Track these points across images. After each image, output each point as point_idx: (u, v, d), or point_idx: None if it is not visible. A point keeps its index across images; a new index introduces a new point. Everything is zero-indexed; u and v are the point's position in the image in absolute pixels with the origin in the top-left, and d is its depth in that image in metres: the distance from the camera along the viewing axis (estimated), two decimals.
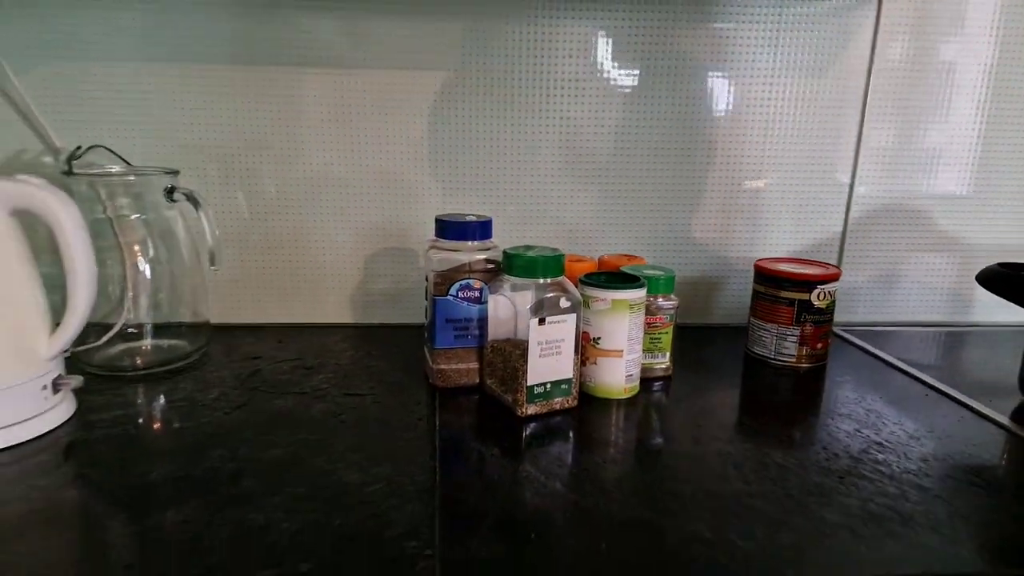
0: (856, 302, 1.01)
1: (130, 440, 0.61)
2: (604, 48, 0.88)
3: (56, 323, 0.63)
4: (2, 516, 0.48)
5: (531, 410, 0.67)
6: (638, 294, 0.71)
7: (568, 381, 0.68)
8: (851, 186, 0.96)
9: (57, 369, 0.64)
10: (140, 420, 0.65)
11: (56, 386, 0.64)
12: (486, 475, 0.56)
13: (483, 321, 0.72)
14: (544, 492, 0.53)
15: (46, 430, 0.62)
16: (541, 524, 0.48)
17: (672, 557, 0.45)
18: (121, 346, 0.76)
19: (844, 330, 0.97)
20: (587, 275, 0.73)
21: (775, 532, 0.48)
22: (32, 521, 0.47)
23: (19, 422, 0.60)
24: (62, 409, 0.64)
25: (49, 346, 0.62)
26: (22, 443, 0.59)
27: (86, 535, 0.46)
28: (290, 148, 0.87)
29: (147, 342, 0.77)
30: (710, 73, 0.90)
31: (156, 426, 0.64)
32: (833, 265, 0.87)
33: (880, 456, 0.61)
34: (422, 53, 0.85)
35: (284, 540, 0.45)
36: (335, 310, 0.93)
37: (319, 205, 0.89)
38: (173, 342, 0.79)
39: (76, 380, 0.65)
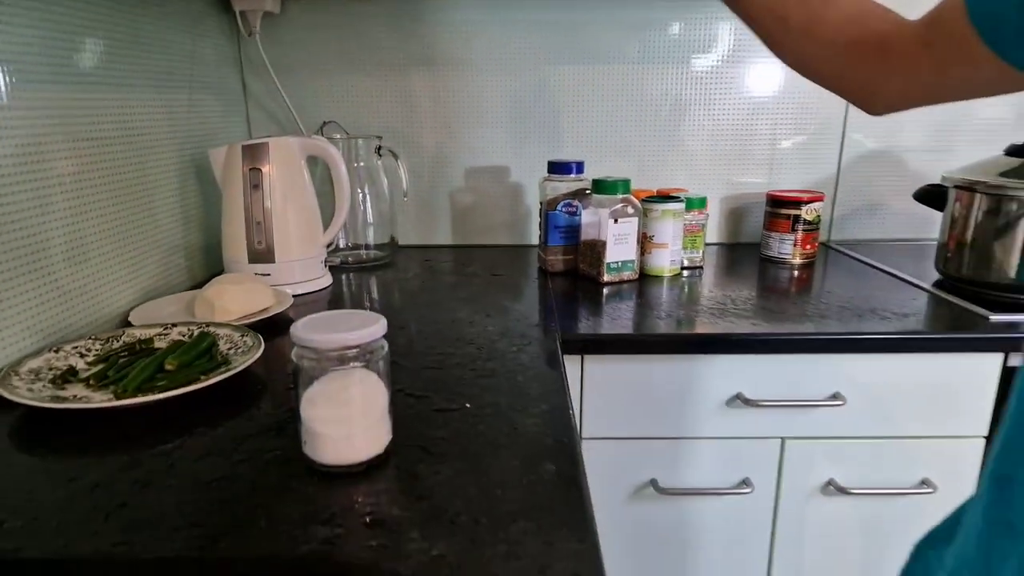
0: (847, 224, 1.35)
1: (368, 294, 1.04)
2: (653, 37, 1.25)
3: (326, 225, 1.07)
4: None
5: (608, 278, 1.06)
6: (678, 207, 1.09)
7: (632, 262, 1.07)
8: (843, 133, 1.30)
9: (325, 253, 1.08)
10: (368, 287, 1.08)
11: (326, 262, 1.07)
12: (580, 311, 0.95)
13: (578, 228, 1.11)
14: (615, 318, 0.92)
15: (322, 287, 1.05)
16: (614, 324, 0.88)
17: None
18: (348, 251, 1.20)
19: (836, 244, 1.32)
20: (646, 197, 1.12)
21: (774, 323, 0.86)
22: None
23: (310, 279, 1.03)
24: (327, 278, 1.08)
25: (324, 237, 1.06)
26: (312, 292, 1.03)
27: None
28: (444, 127, 1.29)
29: (364, 251, 1.21)
30: (738, 50, 1.26)
31: (375, 290, 1.07)
32: (819, 192, 1.21)
33: (825, 304, 0.97)
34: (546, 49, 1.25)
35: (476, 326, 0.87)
36: (472, 235, 1.35)
37: (458, 160, 1.31)
38: (376, 251, 1.22)
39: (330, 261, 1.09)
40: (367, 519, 0.46)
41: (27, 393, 0.60)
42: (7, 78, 0.69)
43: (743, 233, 1.35)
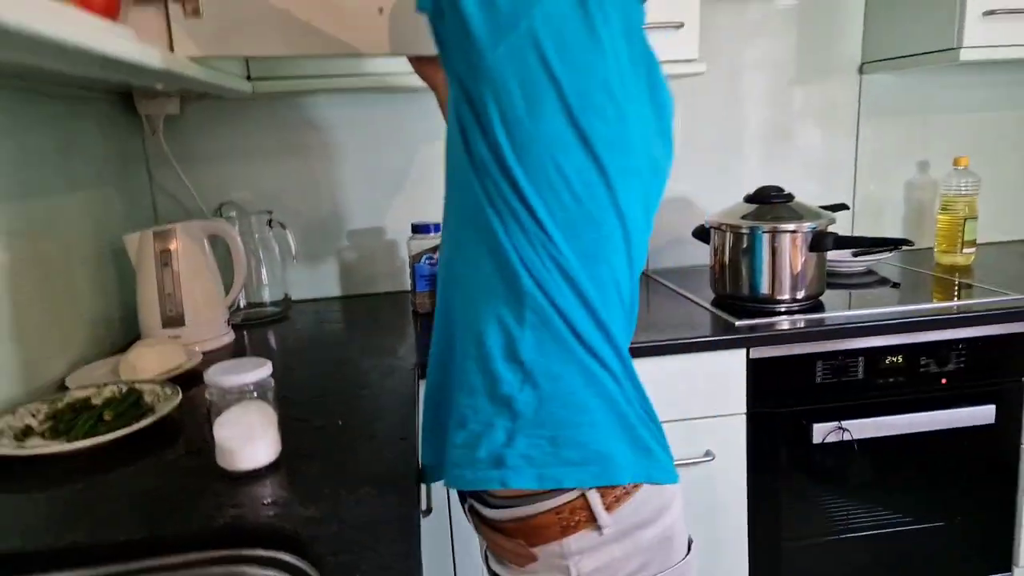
0: (663, 254, 1.69)
1: (265, 346, 1.26)
2: None
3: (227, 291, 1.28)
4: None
5: None
6: None
7: None
8: None
9: (227, 313, 1.30)
10: (266, 340, 1.30)
11: (228, 321, 1.29)
12: None
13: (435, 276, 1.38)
14: None
15: (226, 343, 1.26)
16: None
17: None
18: (247, 310, 1.42)
19: (653, 272, 1.66)
20: None
21: None
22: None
23: (215, 337, 1.25)
24: (230, 335, 1.29)
25: (226, 300, 1.28)
26: (217, 348, 1.24)
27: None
28: (327, 197, 1.54)
29: (263, 309, 1.43)
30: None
31: (271, 341, 1.30)
32: None
33: None
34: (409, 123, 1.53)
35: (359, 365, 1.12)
36: (357, 286, 1.59)
37: (341, 223, 1.56)
38: (272, 308, 1.44)
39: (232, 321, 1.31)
40: (264, 500, 0.70)
41: None
42: None
43: None
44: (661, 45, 1.25)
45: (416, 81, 1.09)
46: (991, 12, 1.37)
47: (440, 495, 1.16)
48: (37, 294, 1.03)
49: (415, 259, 1.39)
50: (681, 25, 1.27)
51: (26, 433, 0.85)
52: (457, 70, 0.63)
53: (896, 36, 1.57)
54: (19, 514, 0.70)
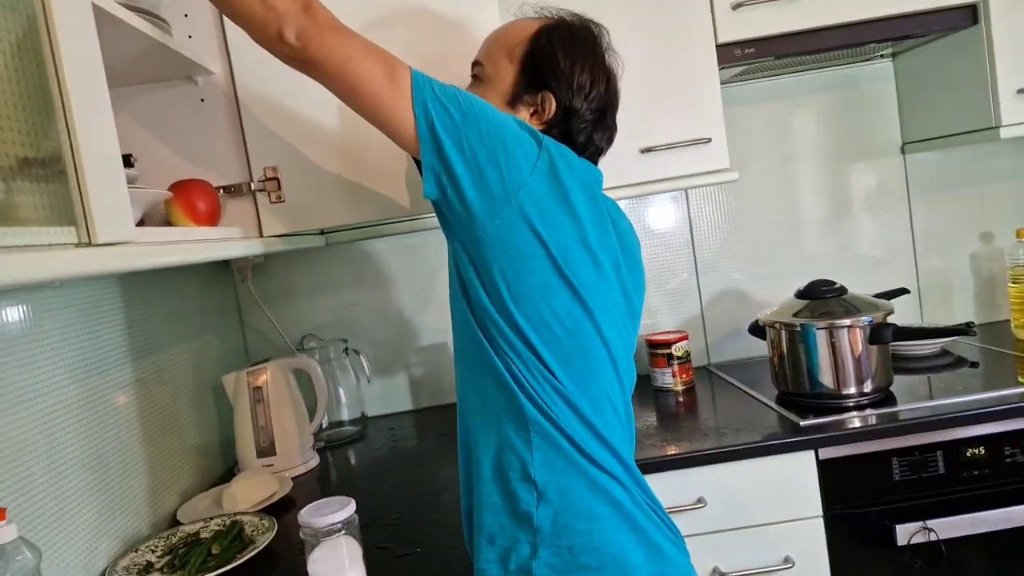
0: (722, 347, 1.71)
1: (347, 468, 1.35)
2: None
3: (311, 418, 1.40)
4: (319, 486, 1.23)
5: None
6: None
7: None
8: (697, 284, 1.69)
9: (312, 439, 1.40)
10: (347, 461, 1.40)
11: (314, 446, 1.40)
12: None
13: None
14: None
15: (312, 467, 1.36)
16: None
17: None
18: (329, 430, 1.53)
19: (714, 367, 1.67)
20: None
21: None
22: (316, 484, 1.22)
23: (303, 463, 1.35)
24: (316, 459, 1.39)
25: (311, 427, 1.39)
26: (305, 472, 1.34)
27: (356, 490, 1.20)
28: (395, 322, 1.66)
29: (342, 429, 1.54)
30: None
31: (352, 462, 1.39)
32: (684, 332, 1.57)
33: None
34: None
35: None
36: (427, 398, 1.68)
37: (409, 343, 1.67)
38: (351, 427, 1.55)
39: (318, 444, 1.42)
40: None
41: None
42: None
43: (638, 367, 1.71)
44: (693, 160, 1.37)
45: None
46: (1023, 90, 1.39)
47: None
48: (151, 435, 1.17)
49: None
50: (709, 140, 1.35)
51: (147, 569, 0.96)
52: (461, 238, 0.77)
53: (934, 117, 1.60)
54: None
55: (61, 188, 0.56)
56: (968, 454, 1.17)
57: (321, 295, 1.65)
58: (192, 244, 0.80)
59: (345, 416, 1.55)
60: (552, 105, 0.86)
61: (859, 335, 1.25)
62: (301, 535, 0.83)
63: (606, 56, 0.90)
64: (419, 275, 1.67)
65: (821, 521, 1.20)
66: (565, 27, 0.89)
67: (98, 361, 1.05)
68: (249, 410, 1.31)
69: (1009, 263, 1.58)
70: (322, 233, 1.40)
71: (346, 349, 1.55)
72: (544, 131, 0.85)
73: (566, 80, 0.85)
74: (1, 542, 0.72)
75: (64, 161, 0.56)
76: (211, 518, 1.08)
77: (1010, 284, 1.57)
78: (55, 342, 0.95)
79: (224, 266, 1.58)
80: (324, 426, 1.53)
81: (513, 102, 0.87)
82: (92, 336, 1.04)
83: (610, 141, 0.92)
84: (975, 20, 1.41)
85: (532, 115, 0.87)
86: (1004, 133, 1.41)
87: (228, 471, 1.34)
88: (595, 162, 0.91)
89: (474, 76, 0.92)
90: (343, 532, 0.83)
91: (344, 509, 0.83)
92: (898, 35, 1.42)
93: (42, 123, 0.55)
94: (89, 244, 0.57)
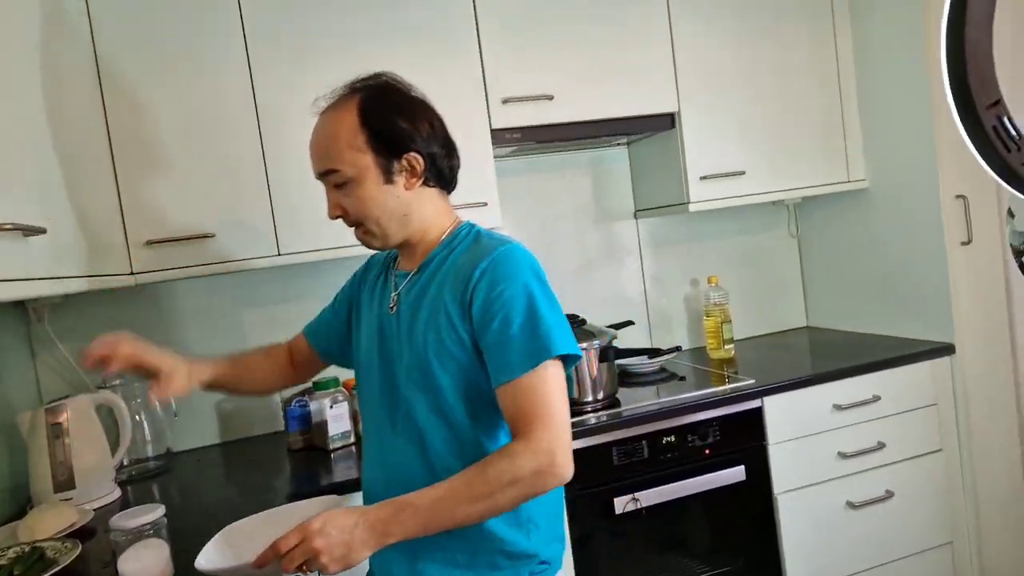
0: None
1: (150, 498, 1.44)
2: None
3: (114, 451, 1.46)
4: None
5: (333, 446, 1.58)
6: None
7: (349, 432, 1.61)
8: None
9: (114, 473, 1.46)
10: (150, 493, 1.48)
11: (116, 479, 1.45)
12: (316, 472, 1.46)
13: (309, 415, 1.63)
14: (335, 473, 1.45)
15: (113, 499, 1.42)
16: (332, 476, 1.40)
17: None
18: (131, 467, 1.58)
19: None
20: (354, 385, 1.68)
21: None
22: None
23: (103, 495, 1.40)
24: (117, 492, 1.45)
25: (113, 461, 1.45)
26: (106, 504, 1.39)
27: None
28: None
29: (146, 463, 1.59)
30: None
31: (155, 493, 1.47)
32: None
33: None
34: None
35: None
36: (236, 431, 1.79)
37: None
38: (155, 462, 1.61)
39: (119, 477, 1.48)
40: None
41: None
42: None
43: None
44: (474, 219, 1.70)
45: (278, 263, 1.41)
46: (705, 176, 1.92)
47: None
48: None
49: (287, 403, 1.63)
50: (486, 204, 1.69)
51: None
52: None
53: (652, 191, 2.10)
54: None
55: None
56: (664, 441, 1.58)
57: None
58: None
59: (150, 452, 1.61)
60: (420, 160, 0.93)
61: (593, 355, 1.64)
62: (111, 538, 0.96)
63: (416, 94, 0.98)
64: (229, 314, 1.79)
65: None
66: (377, 95, 0.94)
67: None
68: (47, 446, 1.34)
69: (703, 302, 2.11)
70: (132, 274, 1.49)
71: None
72: (423, 184, 0.96)
73: (417, 135, 0.93)
74: None
75: None
76: (8, 547, 1.13)
77: (705, 318, 2.09)
78: None
79: (15, 305, 1.58)
80: (126, 463, 1.58)
81: (389, 179, 0.93)
82: None
83: (458, 159, 1.01)
84: (673, 124, 1.93)
85: (410, 178, 0.94)
86: (692, 207, 1.92)
87: (21, 510, 1.35)
88: (455, 183, 1.03)
89: (337, 185, 0.95)
90: (151, 533, 0.97)
91: (153, 512, 0.97)
92: (622, 132, 1.90)
93: None
94: None
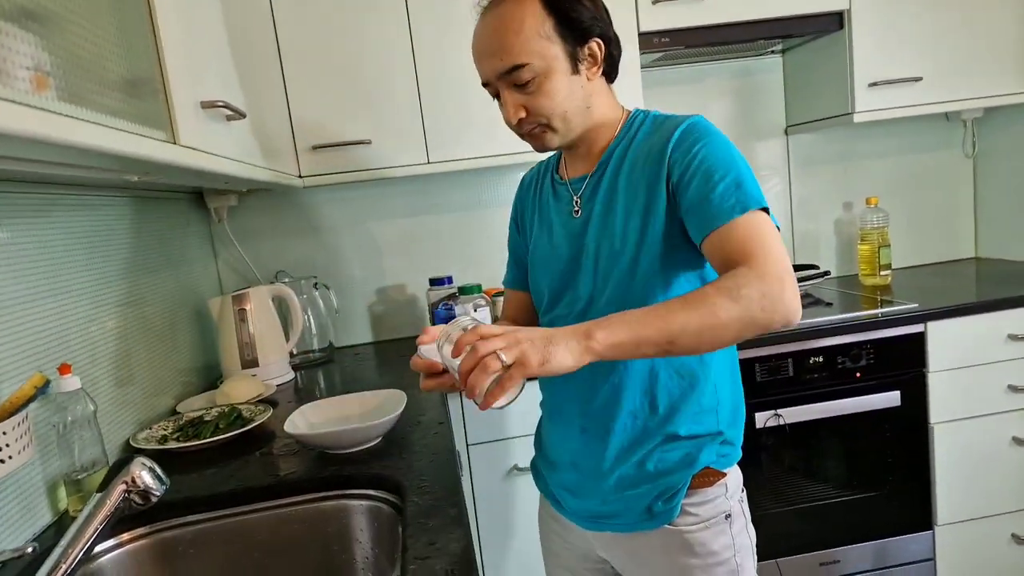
0: None
1: (319, 381, 1.59)
2: None
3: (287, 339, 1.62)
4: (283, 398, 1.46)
5: None
6: None
7: None
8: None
9: (288, 356, 1.63)
10: (318, 377, 1.63)
11: (289, 363, 1.62)
12: None
13: (453, 318, 1.72)
14: None
15: (289, 379, 1.59)
16: None
17: None
18: (299, 356, 1.75)
19: None
20: (495, 292, 1.75)
21: None
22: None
23: (281, 375, 1.57)
24: (291, 373, 1.62)
25: (287, 346, 1.61)
26: (284, 383, 1.56)
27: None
28: (359, 263, 1.90)
29: (312, 354, 1.76)
30: None
31: (320, 379, 1.63)
32: None
33: None
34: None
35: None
36: (386, 332, 1.93)
37: (371, 282, 1.91)
38: (320, 353, 1.77)
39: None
40: (352, 462, 1.02)
41: (147, 447, 1.12)
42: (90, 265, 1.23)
43: None
44: None
45: (425, 171, 1.48)
46: (874, 84, 1.76)
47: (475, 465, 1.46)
48: (146, 349, 1.37)
49: (434, 306, 1.73)
50: None
51: (164, 440, 1.17)
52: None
53: (809, 104, 1.96)
54: (181, 483, 1.02)
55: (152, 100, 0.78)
56: (811, 361, 1.53)
57: (292, 237, 1.86)
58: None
59: (315, 345, 1.78)
60: (601, 47, 0.89)
61: None
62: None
63: None
64: (388, 220, 1.90)
65: None
66: None
67: (106, 273, 1.25)
68: (234, 328, 1.52)
69: (859, 225, 1.96)
70: (300, 177, 1.61)
71: (316, 284, 1.77)
72: (602, 72, 0.92)
73: (599, 19, 0.89)
74: (67, 389, 0.94)
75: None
76: (210, 408, 1.30)
77: (859, 243, 1.96)
78: (67, 252, 1.15)
79: (201, 206, 1.76)
80: (296, 352, 1.75)
81: (575, 68, 0.88)
82: (104, 248, 1.24)
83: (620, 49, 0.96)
84: (841, 25, 1.77)
85: (591, 67, 0.90)
86: (856, 118, 1.77)
87: (214, 384, 1.55)
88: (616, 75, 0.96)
89: (524, 83, 0.87)
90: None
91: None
92: (781, 34, 1.76)
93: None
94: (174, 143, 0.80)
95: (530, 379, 0.70)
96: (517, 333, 0.70)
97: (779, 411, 1.49)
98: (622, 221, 0.90)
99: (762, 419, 1.50)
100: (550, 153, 1.04)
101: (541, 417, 1.08)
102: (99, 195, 1.25)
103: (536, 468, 1.09)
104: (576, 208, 0.97)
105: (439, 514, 0.83)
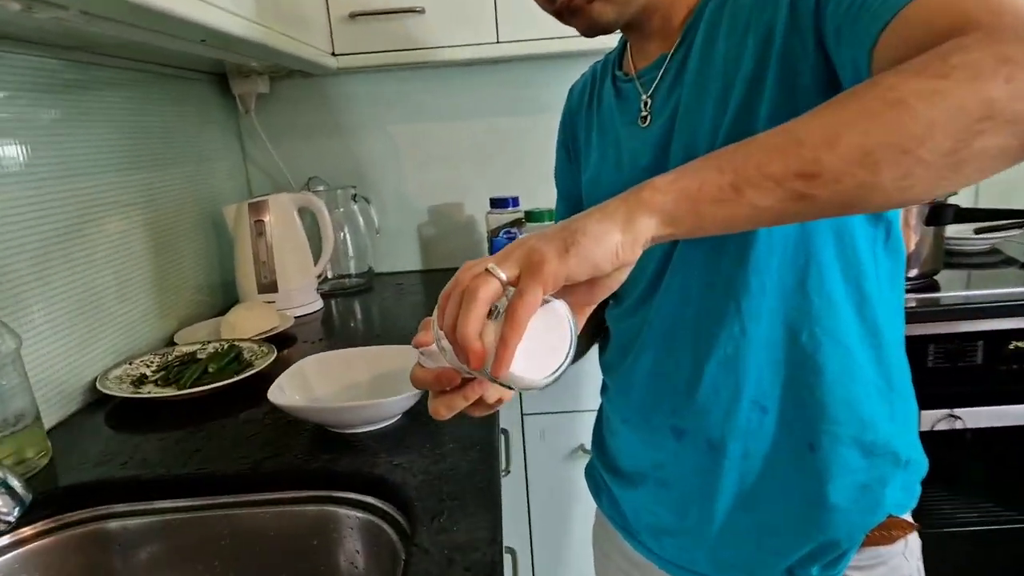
0: None
1: (352, 315, 1.31)
2: None
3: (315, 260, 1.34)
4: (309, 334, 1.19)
5: None
6: None
7: None
8: None
9: (316, 282, 1.35)
10: (352, 310, 1.35)
11: (317, 290, 1.35)
12: None
13: None
14: None
15: (315, 310, 1.32)
16: None
17: None
18: (334, 280, 1.48)
19: None
20: None
21: None
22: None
23: (306, 304, 1.30)
24: (319, 303, 1.35)
25: (315, 269, 1.33)
26: (308, 314, 1.30)
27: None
28: (408, 172, 1.57)
29: (348, 280, 1.49)
30: None
31: (358, 312, 1.35)
32: None
33: None
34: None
35: None
36: (436, 260, 1.62)
37: (421, 199, 1.59)
38: (357, 279, 1.49)
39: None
40: (355, 450, 0.73)
41: (118, 390, 0.87)
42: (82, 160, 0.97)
43: None
44: None
45: (494, 53, 1.11)
46: None
47: (517, 459, 1.18)
48: (147, 259, 1.11)
49: (493, 233, 1.40)
50: None
51: (141, 380, 0.93)
52: None
53: None
54: (138, 448, 0.76)
55: None
56: (1012, 347, 1.11)
57: (330, 137, 1.55)
58: None
59: (351, 269, 1.50)
60: None
61: (915, 213, 1.17)
62: None
63: None
64: (446, 121, 1.55)
65: None
66: None
67: (91, 162, 0.97)
68: (250, 243, 1.25)
69: None
70: (334, 55, 1.28)
71: (355, 196, 1.47)
72: None
73: None
74: None
75: None
76: (208, 342, 1.05)
77: None
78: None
79: (225, 92, 1.46)
80: (329, 276, 1.48)
81: None
82: (92, 127, 0.96)
83: None
84: None
85: None
86: None
87: (229, 308, 1.29)
88: None
89: None
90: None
91: None
92: None
93: None
94: None
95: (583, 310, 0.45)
96: (531, 242, 0.42)
97: (956, 411, 1.10)
98: (722, 108, 0.56)
99: (931, 419, 1.11)
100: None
101: (603, 407, 0.76)
102: (92, 62, 0.97)
103: (597, 478, 0.78)
104: (645, 112, 0.64)
105: (462, 556, 0.54)
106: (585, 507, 1.00)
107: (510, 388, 0.43)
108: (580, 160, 0.75)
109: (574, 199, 0.77)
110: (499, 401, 0.49)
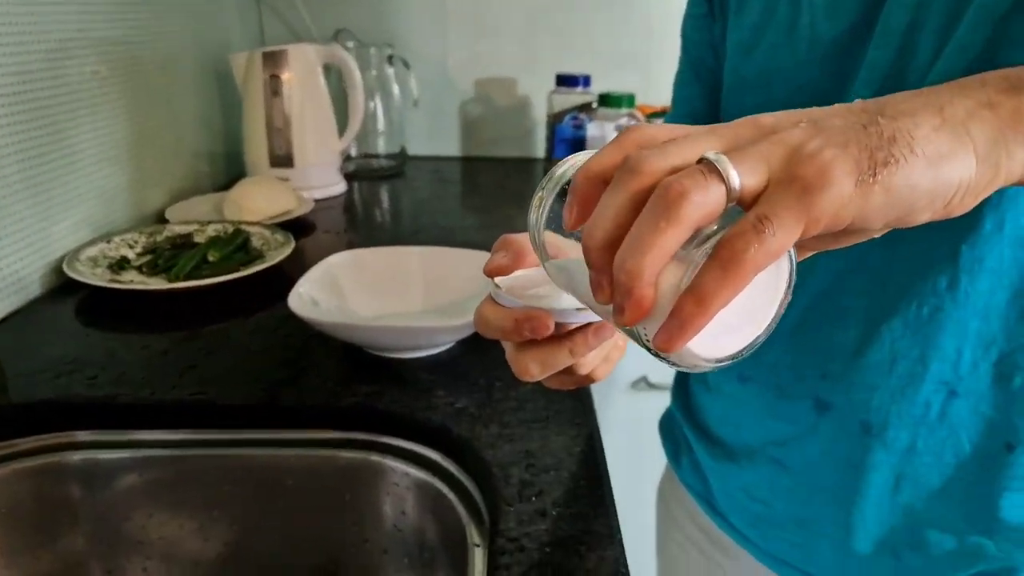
0: None
1: (379, 201, 1.09)
2: None
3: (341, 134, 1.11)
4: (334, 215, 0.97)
5: None
6: None
7: None
8: None
9: (340, 160, 1.13)
10: (379, 195, 1.14)
11: (341, 169, 1.12)
12: None
13: (583, 141, 1.15)
14: None
15: (338, 193, 1.11)
16: None
17: None
18: (360, 159, 1.25)
19: None
20: (651, 113, 1.16)
21: None
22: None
23: (327, 185, 1.09)
24: (343, 185, 1.13)
25: (340, 143, 1.10)
26: (329, 197, 1.08)
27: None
28: (454, 37, 1.30)
29: (377, 160, 1.26)
30: None
31: (386, 199, 1.13)
32: None
33: None
34: None
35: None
36: (480, 146, 1.39)
37: (468, 71, 1.33)
38: (387, 161, 1.26)
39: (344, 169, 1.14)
40: (402, 381, 0.54)
41: (92, 276, 0.67)
42: None
43: None
44: None
45: None
46: None
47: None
48: (134, 111, 0.88)
49: (557, 118, 1.16)
50: None
51: (122, 265, 0.73)
52: None
53: None
54: (114, 357, 0.57)
55: None
56: None
57: None
58: None
59: (381, 148, 1.26)
60: None
61: None
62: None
63: None
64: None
65: None
66: None
67: None
68: (263, 103, 1.01)
69: None
70: None
71: (390, 57, 1.21)
72: None
73: None
74: None
75: None
76: (208, 222, 0.84)
77: None
78: None
79: None
80: (354, 154, 1.25)
81: None
82: None
83: None
84: None
85: None
86: None
87: (232, 182, 1.08)
88: None
89: None
90: None
91: None
92: None
93: None
94: None
95: None
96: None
97: None
98: None
99: None
100: None
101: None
102: None
103: (678, 437, 0.60)
104: None
105: (569, 538, 0.37)
106: (649, 448, 0.81)
107: (658, 357, 0.23)
108: (727, 14, 0.51)
109: (712, 74, 0.53)
110: (590, 377, 0.34)
